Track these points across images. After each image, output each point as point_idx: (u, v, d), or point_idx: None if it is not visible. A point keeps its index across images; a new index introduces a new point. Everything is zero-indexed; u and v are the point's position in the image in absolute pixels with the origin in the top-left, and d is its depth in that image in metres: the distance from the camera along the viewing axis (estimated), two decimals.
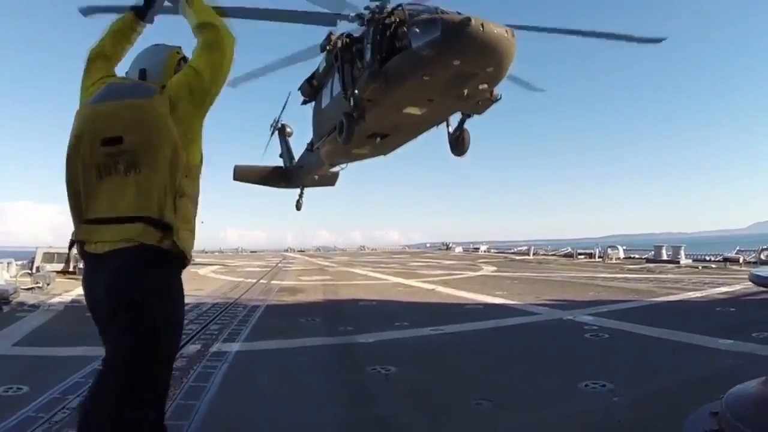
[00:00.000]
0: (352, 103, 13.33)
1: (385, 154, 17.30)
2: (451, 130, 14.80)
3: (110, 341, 2.71)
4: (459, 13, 11.40)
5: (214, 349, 8.26)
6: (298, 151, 23.02)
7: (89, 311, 2.90)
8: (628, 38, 15.43)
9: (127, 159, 2.76)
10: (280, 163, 24.88)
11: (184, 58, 3.40)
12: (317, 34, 14.65)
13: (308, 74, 17.72)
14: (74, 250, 2.97)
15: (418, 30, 11.63)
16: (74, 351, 8.02)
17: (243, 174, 24.00)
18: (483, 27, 10.95)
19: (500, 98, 13.29)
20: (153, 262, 2.73)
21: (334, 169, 20.95)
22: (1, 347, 8.78)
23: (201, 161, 3.11)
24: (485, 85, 12.39)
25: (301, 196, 24.40)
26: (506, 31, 11.29)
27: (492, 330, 10.28)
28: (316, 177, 22.55)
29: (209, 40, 3.12)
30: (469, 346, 8.85)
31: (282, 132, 24.66)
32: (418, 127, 15.26)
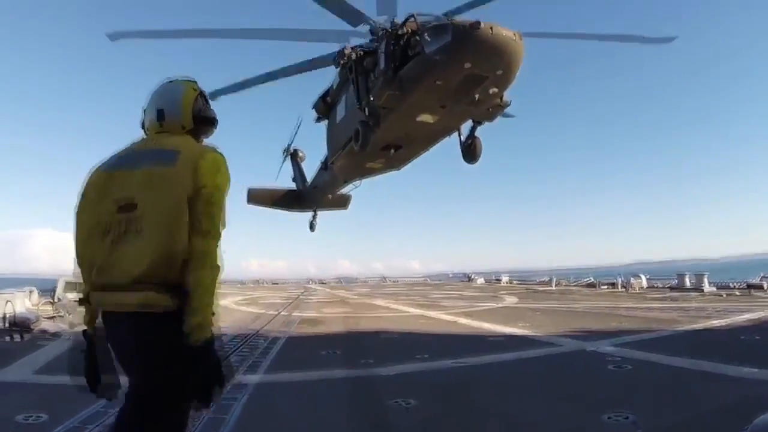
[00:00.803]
0: (367, 112, 13.54)
1: (398, 167, 17.28)
2: (463, 138, 14.82)
3: (131, 383, 2.79)
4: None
5: (234, 380, 8.30)
6: (309, 176, 23.25)
7: (110, 347, 2.94)
8: (638, 39, 15.65)
9: (141, 224, 2.73)
10: (292, 186, 24.65)
11: (202, 93, 3.40)
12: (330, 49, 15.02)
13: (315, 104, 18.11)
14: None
15: (429, 36, 11.87)
16: None
17: (256, 197, 23.55)
18: (492, 30, 11.10)
19: (510, 104, 13.45)
20: (166, 325, 2.67)
21: (347, 190, 20.95)
22: (22, 374, 8.96)
23: (223, 226, 2.98)
24: (495, 89, 12.48)
25: (314, 217, 24.07)
26: (514, 34, 11.43)
27: (514, 362, 10.24)
28: (330, 197, 22.21)
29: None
30: (490, 378, 8.80)
31: (294, 156, 24.31)
32: (431, 137, 15.33)
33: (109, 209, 2.80)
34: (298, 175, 24.41)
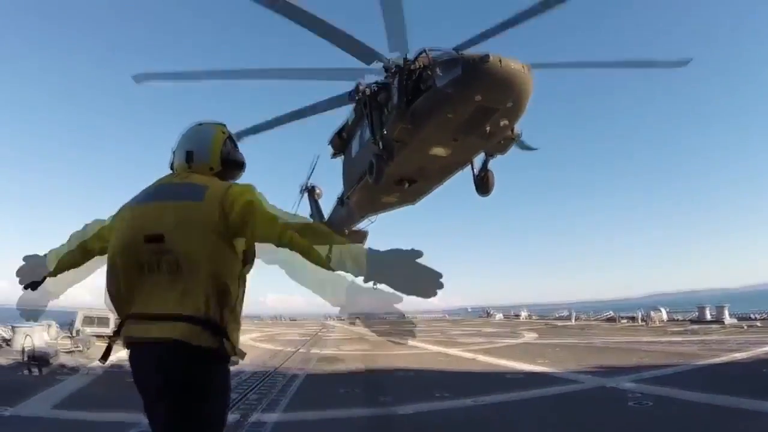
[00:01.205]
0: (381, 146, 13.76)
1: (413, 202, 17.43)
2: (476, 171, 14.95)
3: (155, 422, 2.74)
4: None
5: (252, 419, 8.33)
6: (327, 213, 23.59)
7: (137, 387, 2.83)
8: (651, 64, 15.72)
9: (170, 258, 2.73)
10: None
11: (230, 137, 3.43)
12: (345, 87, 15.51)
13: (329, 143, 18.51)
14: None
15: (440, 70, 12.19)
16: (113, 416, 8.26)
17: None
18: (501, 62, 11.33)
19: (521, 136, 13.65)
20: (196, 359, 2.66)
21: (364, 226, 21.11)
22: (41, 409, 9.04)
23: (252, 260, 3.06)
24: (506, 121, 12.60)
25: (329, 251, 24.42)
26: (523, 66, 11.60)
27: (534, 399, 10.17)
28: (347, 233, 22.52)
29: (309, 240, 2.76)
30: (510, 416, 8.77)
31: (312, 193, 24.56)
32: (444, 171, 15.44)
33: (138, 242, 2.80)
34: (316, 211, 24.68)
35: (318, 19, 13.56)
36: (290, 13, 13.40)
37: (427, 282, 2.51)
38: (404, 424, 8.24)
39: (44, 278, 3.33)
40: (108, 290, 2.93)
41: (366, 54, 13.89)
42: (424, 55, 13.07)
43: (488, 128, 12.70)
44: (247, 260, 3.00)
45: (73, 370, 13.86)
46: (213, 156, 3.26)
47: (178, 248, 2.73)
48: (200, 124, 3.44)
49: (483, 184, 14.98)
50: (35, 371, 13.39)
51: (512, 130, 13.22)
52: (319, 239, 2.72)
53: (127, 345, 2.88)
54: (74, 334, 20.72)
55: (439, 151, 13.85)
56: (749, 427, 7.18)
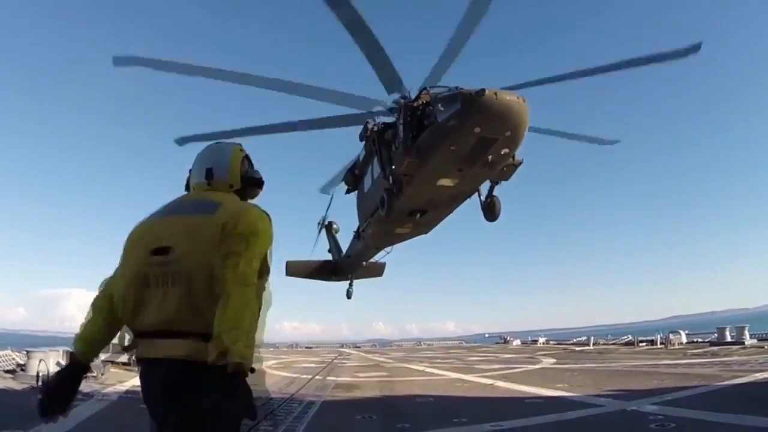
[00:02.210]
0: (391, 180, 14.46)
1: (426, 232, 17.88)
2: (482, 198, 15.53)
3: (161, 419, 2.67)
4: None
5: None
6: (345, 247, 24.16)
7: (146, 406, 2.79)
8: (661, 58, 15.60)
9: (176, 270, 2.70)
10: (328, 257, 25.38)
11: (247, 156, 3.48)
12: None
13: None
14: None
15: (441, 106, 13.05)
16: None
17: (295, 269, 24.34)
18: (497, 96, 12.01)
19: (522, 163, 14.15)
20: (203, 376, 2.47)
21: (380, 257, 21.40)
22: None
23: (266, 273, 2.97)
24: (506, 150, 13.27)
25: (351, 285, 24.32)
26: (518, 98, 12.34)
27: (554, 424, 10.07)
28: (365, 265, 22.70)
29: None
30: None
31: (329, 229, 25.02)
32: (452, 200, 16.04)
33: (145, 255, 2.78)
34: (334, 246, 25.40)
35: (315, 88, 15.10)
36: (290, 90, 14.99)
37: None
38: None
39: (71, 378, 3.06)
40: (117, 305, 2.88)
41: (365, 104, 15.22)
42: (425, 92, 13.89)
43: (490, 157, 13.33)
44: (262, 273, 2.88)
45: (87, 396, 13.85)
46: (233, 174, 3.32)
47: (185, 260, 2.71)
48: (218, 143, 3.55)
49: (490, 210, 15.45)
50: None
51: (513, 158, 13.84)
52: (235, 313, 2.54)
53: (138, 362, 2.86)
54: None
55: (445, 182, 14.51)
56: None
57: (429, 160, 13.59)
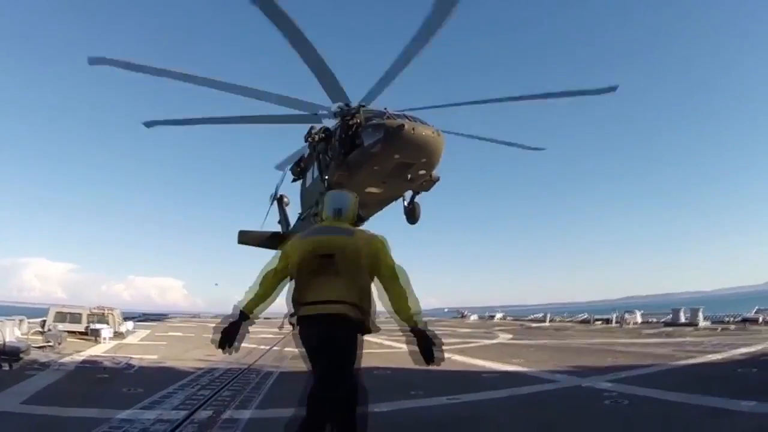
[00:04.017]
0: (326, 186, 17.23)
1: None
2: (406, 203, 18.85)
3: (320, 363, 4.59)
4: (405, 115, 15.52)
5: (225, 416, 8.15)
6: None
7: (305, 349, 4.74)
8: (582, 93, 19.08)
9: (336, 268, 4.56)
10: (278, 228, 28.02)
11: (357, 201, 5.39)
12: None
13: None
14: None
15: (369, 131, 15.49)
16: (83, 412, 8.12)
17: (246, 238, 27.52)
18: (414, 130, 14.79)
19: (439, 179, 17.24)
20: (350, 327, 4.55)
21: None
22: (9, 404, 8.78)
23: (393, 274, 4.76)
24: (423, 171, 16.18)
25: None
26: (433, 131, 15.18)
27: (509, 398, 10.08)
28: None
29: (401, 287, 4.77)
30: (486, 415, 8.64)
31: (280, 201, 27.74)
32: (380, 203, 18.97)
33: (313, 258, 4.65)
34: (283, 219, 27.97)
35: (261, 91, 17.07)
36: (249, 94, 17.13)
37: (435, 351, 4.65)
38: (380, 422, 8.06)
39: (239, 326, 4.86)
40: (296, 287, 4.73)
41: (311, 108, 17.66)
42: (361, 108, 16.57)
43: (409, 176, 16.29)
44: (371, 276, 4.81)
45: (44, 365, 13.62)
46: (352, 214, 5.27)
47: (340, 264, 4.60)
48: (341, 192, 5.55)
49: (411, 214, 18.73)
50: (5, 366, 13.09)
51: (431, 176, 16.86)
52: (404, 283, 4.77)
53: (302, 320, 4.65)
54: (46, 330, 20.47)
55: (373, 189, 17.16)
56: (724, 426, 7.16)
57: (357, 173, 16.08)
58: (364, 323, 4.64)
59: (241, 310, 4.78)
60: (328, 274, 4.56)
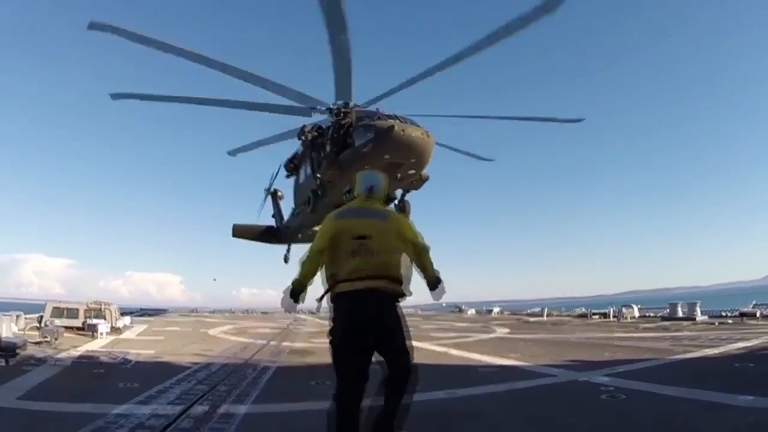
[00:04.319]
0: (318, 182, 17.94)
1: None
2: (396, 202, 18.49)
3: (370, 336, 5.10)
4: (395, 116, 15.77)
5: (222, 410, 8.12)
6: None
7: (344, 328, 5.07)
8: (551, 120, 20.45)
9: (373, 247, 5.06)
10: (272, 222, 28.22)
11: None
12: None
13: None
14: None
15: (360, 131, 16.03)
16: (79, 407, 8.08)
17: (240, 231, 27.88)
18: (404, 131, 15.19)
19: (428, 178, 17.53)
20: (390, 298, 5.16)
21: (317, 229, 22.99)
22: (5, 400, 8.76)
23: (422, 249, 5.45)
24: (413, 170, 16.45)
25: (288, 251, 27.16)
26: (423, 132, 15.55)
27: (506, 393, 10.04)
28: (300, 236, 25.48)
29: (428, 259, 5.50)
30: (483, 410, 8.59)
31: (274, 196, 27.83)
32: None
33: (351, 238, 5.11)
34: (277, 213, 28.14)
35: (262, 78, 16.81)
36: (239, 76, 16.66)
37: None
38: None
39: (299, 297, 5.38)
40: (332, 265, 5.21)
41: (307, 101, 17.50)
42: (353, 111, 16.83)
43: (399, 175, 16.24)
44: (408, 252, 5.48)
45: (41, 361, 13.60)
46: (383, 193, 5.77)
47: (376, 243, 5.11)
48: (372, 172, 5.95)
49: (401, 211, 18.20)
50: (1, 362, 13.08)
51: (420, 175, 17.13)
52: (426, 252, 5.50)
53: (339, 296, 5.08)
54: (43, 326, 20.44)
55: None
56: (721, 420, 7.13)
57: (348, 172, 15.86)
58: (399, 293, 5.25)
59: (292, 287, 5.34)
60: (365, 253, 5.05)
